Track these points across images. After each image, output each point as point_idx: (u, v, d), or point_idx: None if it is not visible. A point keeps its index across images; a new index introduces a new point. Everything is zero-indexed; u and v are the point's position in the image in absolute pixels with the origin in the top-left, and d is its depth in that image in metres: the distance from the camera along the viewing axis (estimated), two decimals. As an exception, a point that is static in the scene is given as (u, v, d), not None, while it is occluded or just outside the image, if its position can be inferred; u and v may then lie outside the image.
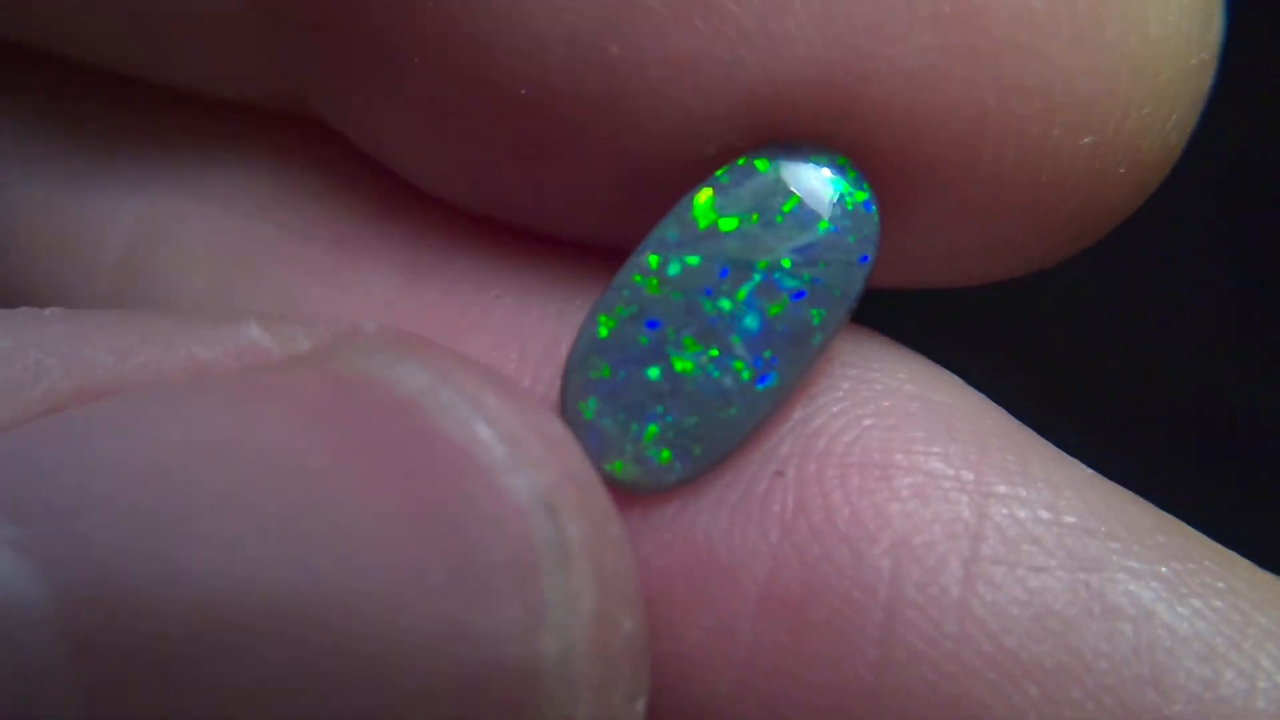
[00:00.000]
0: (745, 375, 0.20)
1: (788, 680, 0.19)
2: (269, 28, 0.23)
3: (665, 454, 0.20)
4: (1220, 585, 0.19)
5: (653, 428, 0.20)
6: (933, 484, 0.20)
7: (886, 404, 0.20)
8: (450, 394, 0.17)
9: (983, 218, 0.19)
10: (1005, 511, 0.19)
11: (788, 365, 0.20)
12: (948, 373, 0.22)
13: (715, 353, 0.20)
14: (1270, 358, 0.45)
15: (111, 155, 0.25)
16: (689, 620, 0.20)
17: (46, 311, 0.18)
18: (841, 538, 0.19)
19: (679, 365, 0.20)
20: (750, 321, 0.19)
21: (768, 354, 0.20)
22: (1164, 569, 0.19)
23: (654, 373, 0.20)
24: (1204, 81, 0.19)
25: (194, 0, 0.23)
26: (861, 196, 0.19)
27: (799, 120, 0.19)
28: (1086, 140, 0.18)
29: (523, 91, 0.20)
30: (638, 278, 0.20)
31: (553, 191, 0.21)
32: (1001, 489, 0.19)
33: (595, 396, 0.20)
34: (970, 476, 0.20)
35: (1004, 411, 0.21)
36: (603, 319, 0.20)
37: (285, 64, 0.23)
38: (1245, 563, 0.19)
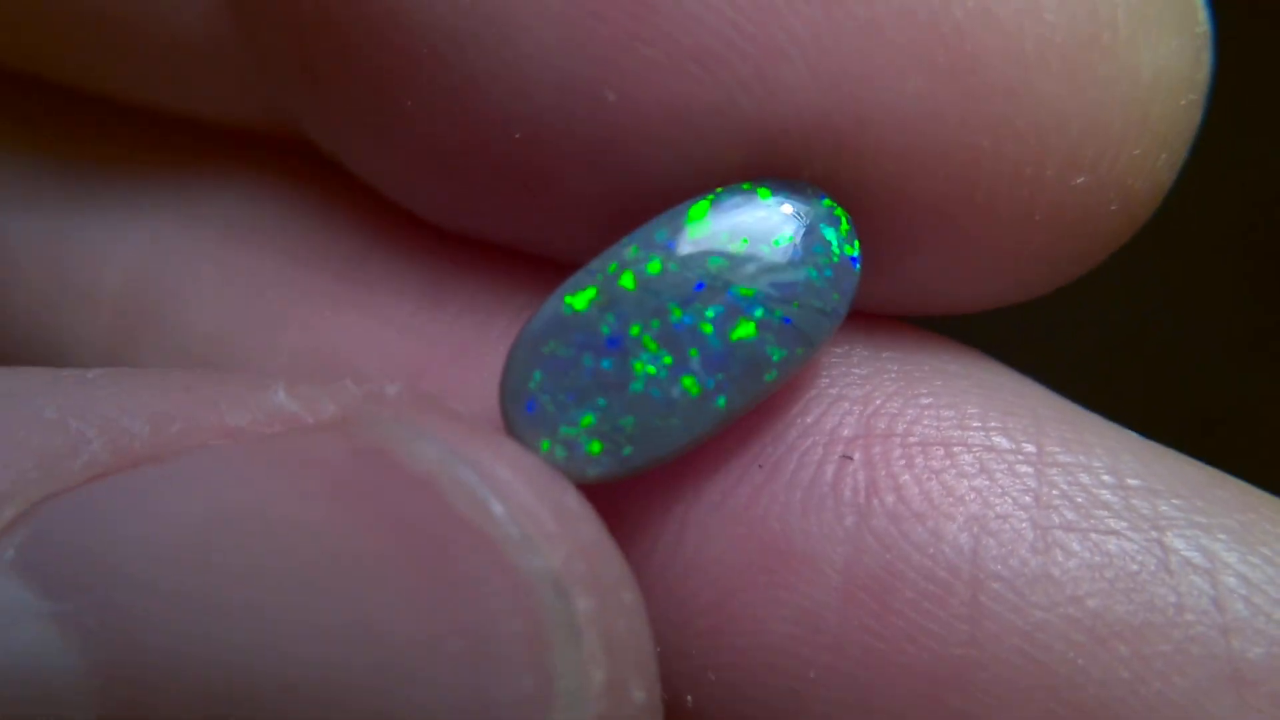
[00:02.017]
0: (694, 391, 0.20)
1: (878, 662, 0.20)
2: (260, 58, 0.22)
3: (596, 445, 0.20)
4: None
5: (589, 416, 0.19)
6: (997, 458, 0.20)
7: (939, 383, 0.21)
8: (465, 470, 0.17)
9: (976, 254, 0.20)
10: (1070, 479, 0.20)
11: (737, 393, 0.20)
12: (979, 351, 0.22)
13: (669, 360, 0.19)
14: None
15: (108, 183, 0.25)
16: (771, 612, 0.20)
17: (91, 373, 0.18)
18: (917, 517, 0.20)
19: (632, 363, 0.19)
20: (712, 341, 0.19)
21: (720, 376, 0.20)
22: (1230, 521, 0.19)
23: (606, 363, 0.19)
24: (1193, 121, 0.20)
25: (176, 28, 0.22)
26: (851, 251, 0.20)
27: (795, 163, 0.19)
28: (1079, 180, 0.19)
29: (516, 135, 0.20)
30: (614, 267, 0.20)
31: (548, 223, 0.21)
32: (1064, 458, 0.20)
33: (542, 371, 0.19)
34: (1031, 448, 0.20)
35: (1043, 386, 0.22)
36: (569, 299, 0.19)
37: (277, 93, 0.23)
38: None
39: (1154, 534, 0.19)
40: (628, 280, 0.19)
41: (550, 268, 0.23)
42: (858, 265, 0.20)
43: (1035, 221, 0.19)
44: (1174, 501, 0.20)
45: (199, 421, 0.18)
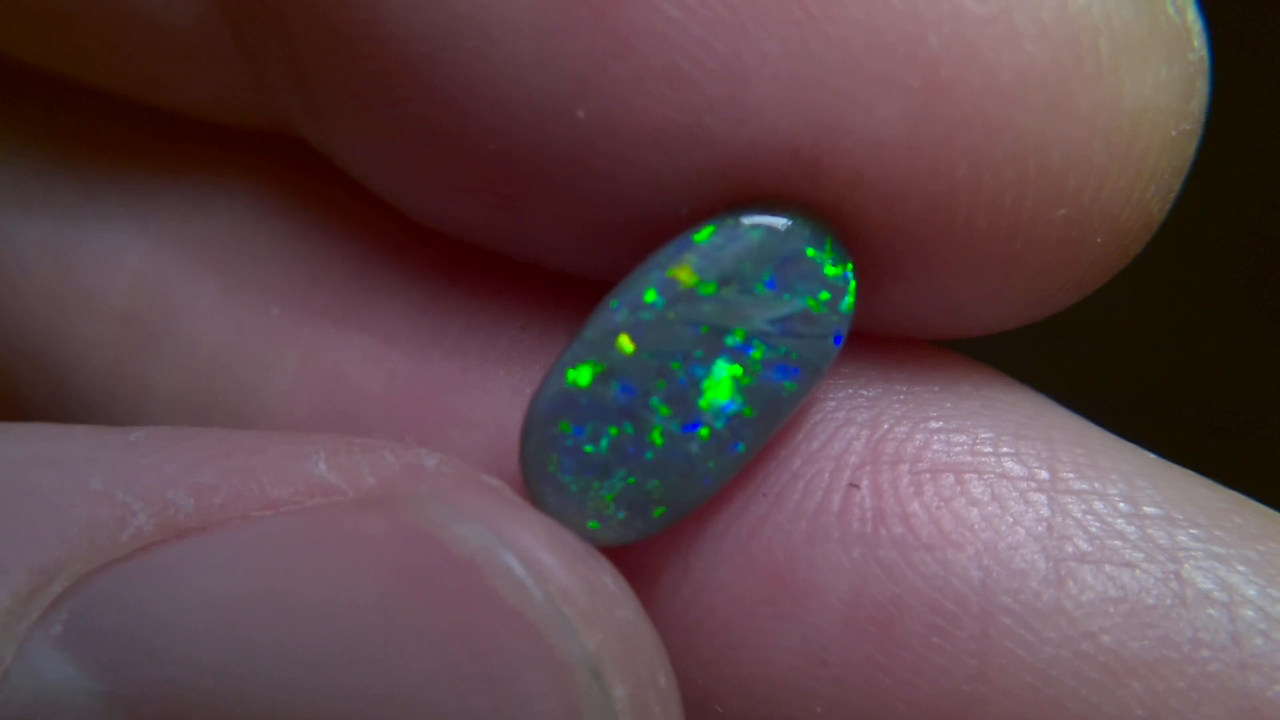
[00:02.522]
0: (713, 443, 0.19)
1: (885, 697, 0.19)
2: (248, 53, 0.22)
3: (626, 513, 0.19)
4: None
5: (615, 487, 0.19)
6: (1009, 485, 0.19)
7: (949, 405, 0.20)
8: (507, 555, 0.17)
9: (957, 283, 0.19)
10: (1085, 508, 0.19)
11: (756, 435, 0.19)
12: (991, 367, 0.22)
13: (683, 419, 0.19)
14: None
15: (111, 188, 0.24)
16: (774, 643, 0.20)
17: (132, 435, 0.19)
18: (926, 548, 0.19)
19: (646, 428, 0.19)
20: (721, 391, 0.19)
21: (736, 423, 0.19)
22: (1249, 552, 0.19)
23: (620, 432, 0.19)
24: (1186, 152, 0.19)
25: (165, 19, 0.22)
26: (840, 271, 0.19)
27: (769, 188, 0.19)
28: (1061, 213, 0.18)
29: (491, 147, 0.19)
30: (608, 332, 0.19)
31: (535, 233, 0.21)
32: (1079, 485, 0.19)
33: (557, 452, 0.19)
34: (1045, 475, 0.19)
35: (1056, 403, 0.21)
36: (571, 374, 0.19)
37: (268, 89, 0.22)
38: None
39: (1171, 566, 0.19)
40: (625, 344, 0.19)
41: (552, 283, 0.22)
42: (851, 280, 0.19)
43: (1017, 253, 0.19)
44: (1192, 531, 0.19)
45: (241, 493, 0.18)
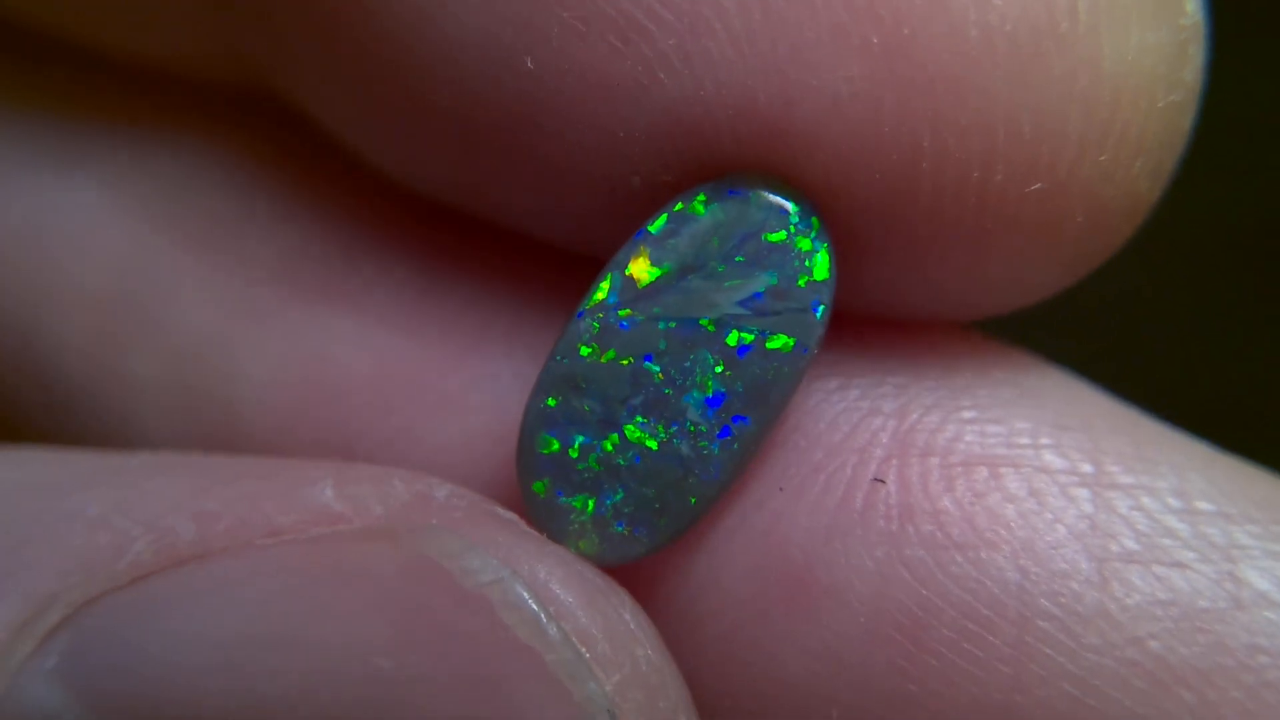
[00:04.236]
0: (702, 442, 0.18)
1: (909, 706, 0.18)
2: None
3: (629, 528, 0.19)
4: None
5: (611, 503, 0.19)
6: (1049, 480, 0.18)
7: (984, 393, 0.19)
8: (519, 590, 0.17)
9: (932, 261, 0.18)
10: (1132, 503, 0.18)
11: (750, 426, 0.18)
12: (1026, 353, 0.20)
13: (667, 420, 0.18)
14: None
15: (85, 154, 0.23)
16: (790, 646, 0.18)
17: (134, 460, 0.18)
18: (958, 548, 0.18)
19: (631, 436, 0.18)
20: (699, 390, 0.18)
21: (724, 416, 0.18)
22: None
23: (606, 446, 0.18)
24: (1179, 123, 0.18)
25: None
26: (807, 241, 0.18)
27: (725, 149, 0.18)
28: (1035, 186, 0.17)
29: (446, 95, 0.18)
30: (581, 347, 0.18)
31: (496, 195, 0.20)
32: (1125, 479, 0.18)
33: (549, 475, 0.19)
34: (1089, 468, 0.18)
35: (1093, 388, 0.20)
36: (546, 395, 0.19)
37: (237, 35, 0.21)
38: None
39: (1226, 566, 0.17)
40: (592, 354, 0.18)
41: (555, 261, 0.21)
42: (823, 247, 0.18)
43: (989, 230, 0.17)
44: (1248, 528, 0.18)
45: (244, 520, 0.17)
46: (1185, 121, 0.18)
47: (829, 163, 0.17)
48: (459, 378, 0.21)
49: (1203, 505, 0.18)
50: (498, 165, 0.19)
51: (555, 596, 0.17)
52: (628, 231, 0.18)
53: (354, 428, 0.21)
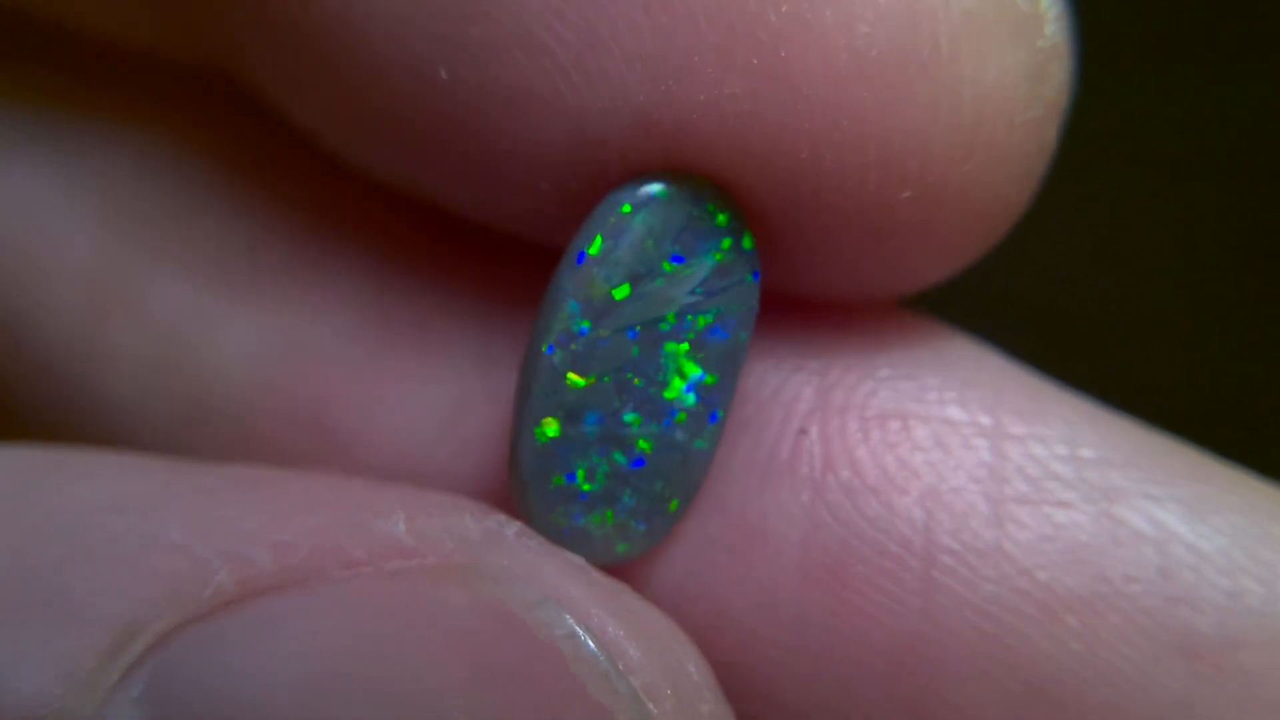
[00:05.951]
0: (693, 421, 0.20)
1: (836, 639, 0.20)
2: None
3: (646, 522, 0.20)
4: (1235, 501, 0.19)
5: (626, 505, 0.20)
6: (952, 431, 0.20)
7: (900, 353, 0.21)
8: (591, 646, 0.17)
9: (823, 252, 0.20)
10: (1024, 451, 0.20)
11: (725, 393, 0.20)
12: (954, 329, 0.22)
13: (658, 416, 0.20)
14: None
15: (61, 136, 0.24)
16: (734, 590, 0.20)
17: (207, 479, 0.19)
18: (872, 492, 0.20)
19: (631, 443, 0.20)
20: (681, 373, 0.20)
21: (705, 392, 0.20)
22: (1181, 491, 0.19)
23: (610, 461, 0.20)
24: (1041, 136, 0.19)
25: None
26: (728, 217, 0.19)
27: (631, 155, 0.19)
28: (906, 194, 0.19)
29: (379, 94, 0.20)
30: (556, 377, 0.19)
31: (444, 187, 0.21)
32: (1019, 429, 0.20)
33: (562, 504, 0.20)
34: (988, 420, 0.20)
35: (1007, 358, 0.22)
36: (539, 430, 0.20)
37: (193, 14, 0.22)
38: (1255, 480, 0.20)
39: (1105, 505, 0.19)
40: (575, 380, 0.19)
41: (524, 248, 0.22)
42: (741, 220, 0.20)
43: (877, 226, 0.19)
44: (1128, 472, 0.20)
45: (321, 551, 0.18)
46: (1050, 133, 0.19)
47: (722, 171, 0.19)
48: (427, 348, 0.22)
49: (1087, 453, 0.20)
50: (439, 161, 0.20)
51: (625, 651, 0.17)
52: (574, 227, 0.20)
53: (324, 398, 0.22)
